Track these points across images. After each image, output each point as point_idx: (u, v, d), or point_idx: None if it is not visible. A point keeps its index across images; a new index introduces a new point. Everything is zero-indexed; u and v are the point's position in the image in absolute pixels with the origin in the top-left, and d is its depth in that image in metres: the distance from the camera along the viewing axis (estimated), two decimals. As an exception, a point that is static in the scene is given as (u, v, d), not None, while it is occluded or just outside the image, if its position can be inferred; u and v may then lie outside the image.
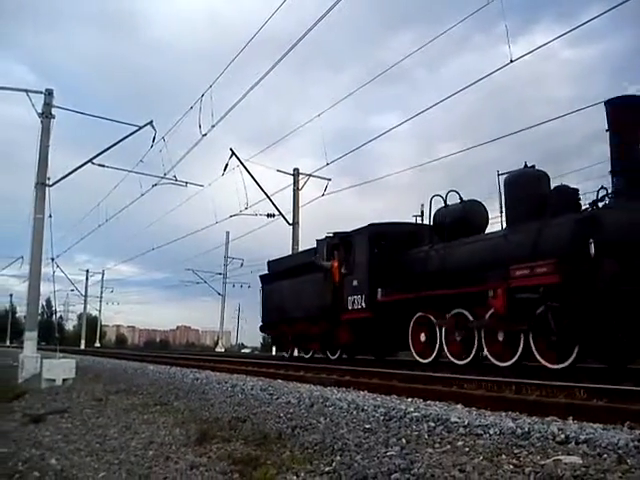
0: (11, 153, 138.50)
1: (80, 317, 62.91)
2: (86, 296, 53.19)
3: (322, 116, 17.50)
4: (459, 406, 5.47)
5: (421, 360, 11.81)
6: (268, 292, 17.76)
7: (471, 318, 10.53)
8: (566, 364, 8.59)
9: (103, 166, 16.65)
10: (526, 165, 10.46)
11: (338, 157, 18.51)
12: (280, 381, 8.74)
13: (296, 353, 17.32)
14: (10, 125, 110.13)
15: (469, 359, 10.58)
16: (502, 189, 10.63)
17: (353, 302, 13.47)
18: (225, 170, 20.41)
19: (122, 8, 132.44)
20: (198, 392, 8.16)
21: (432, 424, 4.59)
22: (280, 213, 21.99)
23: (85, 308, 54.48)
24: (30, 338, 14.25)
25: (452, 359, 10.95)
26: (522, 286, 8.98)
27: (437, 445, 4.05)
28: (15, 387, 12.46)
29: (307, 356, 16.37)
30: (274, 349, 23.40)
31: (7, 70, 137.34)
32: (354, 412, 5.45)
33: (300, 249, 20.32)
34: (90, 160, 15.84)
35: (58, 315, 58.61)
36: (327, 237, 14.95)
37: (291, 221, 21.94)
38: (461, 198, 12.02)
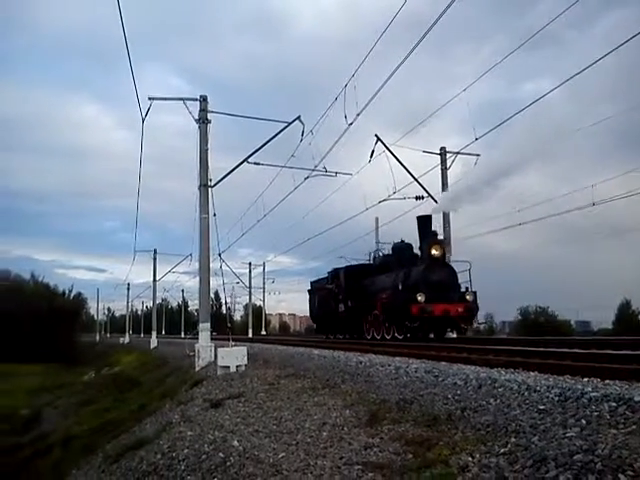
0: (175, 159, 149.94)
1: (246, 307, 66.56)
2: (250, 287, 55.93)
3: (467, 91, 16.93)
4: (642, 384, 5.07)
5: (368, 337, 19.73)
6: (312, 299, 27.99)
7: (381, 318, 18.53)
8: (402, 337, 17.10)
9: (258, 164, 17.40)
10: (402, 240, 20.06)
11: (487, 131, 17.72)
12: (444, 363, 8.58)
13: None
14: (173, 132, 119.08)
15: (380, 336, 18.69)
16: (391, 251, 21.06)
17: (341, 307, 22.76)
18: (371, 157, 20.48)
19: (268, 10, 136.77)
20: (363, 375, 8.32)
21: (613, 404, 4.29)
22: (429, 194, 21.54)
23: (250, 299, 57.32)
24: (204, 329, 15.17)
25: (376, 336, 18.96)
26: (385, 302, 17.88)
27: (621, 426, 3.81)
28: (194, 375, 13.55)
29: (332, 337, 25.34)
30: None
31: (165, 82, 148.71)
32: (525, 393, 5.24)
33: (452, 229, 22.80)
34: (246, 159, 16.64)
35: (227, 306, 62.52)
36: (331, 271, 24.74)
37: (440, 202, 21.47)
38: (383, 254, 22.43)
